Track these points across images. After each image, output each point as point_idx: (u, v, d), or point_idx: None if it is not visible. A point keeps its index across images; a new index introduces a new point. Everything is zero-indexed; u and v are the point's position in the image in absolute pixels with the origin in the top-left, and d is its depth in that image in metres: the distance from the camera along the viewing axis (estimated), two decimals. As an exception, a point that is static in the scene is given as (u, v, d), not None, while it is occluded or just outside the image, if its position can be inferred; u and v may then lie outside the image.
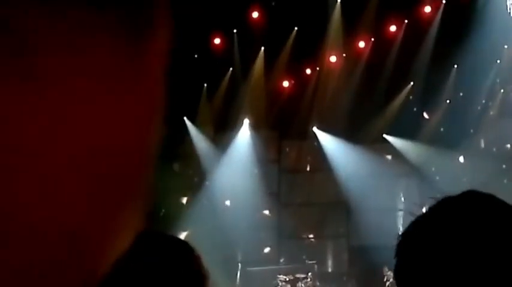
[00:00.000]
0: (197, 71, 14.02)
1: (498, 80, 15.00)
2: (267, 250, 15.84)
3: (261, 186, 15.36)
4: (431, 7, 14.89)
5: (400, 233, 1.37)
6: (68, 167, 0.34)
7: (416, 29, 14.73)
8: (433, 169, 15.20)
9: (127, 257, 0.37)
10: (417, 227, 1.35)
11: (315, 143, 15.83)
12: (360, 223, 14.88)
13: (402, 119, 14.95)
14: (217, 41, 15.24)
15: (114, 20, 0.35)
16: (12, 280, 0.33)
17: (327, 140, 15.68)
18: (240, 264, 14.93)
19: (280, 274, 14.32)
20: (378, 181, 14.70)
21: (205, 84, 15.40)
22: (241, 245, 15.12)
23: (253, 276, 14.61)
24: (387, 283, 12.89)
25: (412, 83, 15.32)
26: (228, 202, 15.58)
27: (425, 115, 15.59)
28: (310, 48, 14.91)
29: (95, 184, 0.35)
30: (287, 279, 14.11)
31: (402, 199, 15.61)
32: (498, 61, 14.87)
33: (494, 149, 15.07)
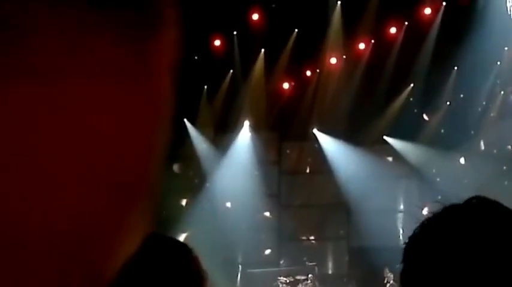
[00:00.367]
0: (197, 72, 13.99)
1: (498, 82, 14.99)
2: (267, 251, 15.82)
3: (261, 187, 15.34)
4: (432, 9, 14.88)
5: (407, 238, 1.38)
6: (73, 169, 0.33)
7: (417, 30, 14.72)
8: (434, 170, 15.18)
9: (134, 261, 0.36)
10: (425, 233, 1.35)
11: (315, 145, 15.81)
12: (360, 224, 14.87)
13: (402, 120, 14.94)
14: (217, 42, 15.23)
15: (121, 20, 0.35)
16: (14, 285, 0.33)
17: (327, 142, 15.66)
18: (240, 266, 14.92)
19: (280, 276, 14.31)
20: (378, 182, 14.68)
21: (205, 86, 15.39)
22: (242, 247, 15.11)
23: (253, 278, 14.59)
24: (387, 285, 12.88)
25: (412, 84, 15.30)
26: (228, 204, 15.56)
27: (425, 117, 15.57)
28: (311, 50, 14.90)
29: (102, 185, 0.34)
30: (287, 281, 14.10)
31: (402, 200, 15.60)
32: (498, 63, 14.86)
33: (495, 151, 15.06)
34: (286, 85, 15.81)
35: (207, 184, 15.35)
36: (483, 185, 11.28)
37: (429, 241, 1.34)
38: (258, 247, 15.41)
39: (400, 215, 15.40)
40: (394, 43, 15.07)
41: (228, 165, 15.22)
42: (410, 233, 1.40)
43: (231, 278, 14.40)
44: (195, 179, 15.71)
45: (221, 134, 15.48)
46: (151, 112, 0.36)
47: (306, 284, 13.98)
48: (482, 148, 15.27)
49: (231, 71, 15.50)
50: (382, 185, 14.72)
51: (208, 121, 15.54)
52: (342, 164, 15.31)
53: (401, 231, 14.81)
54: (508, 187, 13.93)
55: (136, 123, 0.36)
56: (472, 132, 15.03)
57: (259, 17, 14.96)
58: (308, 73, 15.67)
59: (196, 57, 14.35)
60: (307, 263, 14.90)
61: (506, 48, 14.72)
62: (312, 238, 16.21)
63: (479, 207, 1.35)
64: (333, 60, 15.57)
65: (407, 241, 1.37)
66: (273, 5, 14.78)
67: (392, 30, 15.12)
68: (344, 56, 15.54)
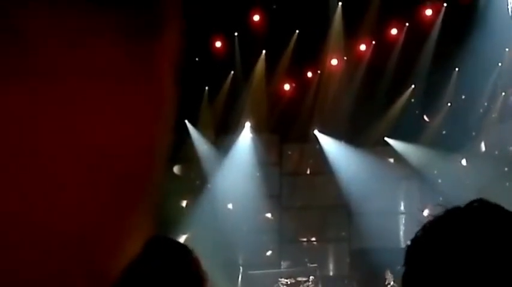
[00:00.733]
0: (198, 74, 14.00)
1: (499, 83, 14.98)
2: (268, 253, 15.81)
3: (262, 189, 15.34)
4: (432, 10, 14.88)
5: (409, 240, 1.38)
6: (74, 169, 0.33)
7: (418, 31, 14.72)
8: (435, 171, 15.17)
9: (135, 262, 0.36)
10: (427, 236, 1.36)
11: (316, 146, 15.81)
12: (361, 226, 14.86)
13: (403, 122, 14.94)
14: (218, 44, 15.24)
15: (122, 20, 0.35)
16: (15, 285, 0.33)
17: (328, 143, 15.66)
18: (241, 267, 14.91)
19: (281, 277, 14.30)
20: (380, 184, 14.68)
21: (206, 88, 15.40)
22: (243, 248, 15.10)
23: (254, 279, 14.58)
24: (388, 286, 12.87)
25: (413, 86, 15.30)
26: (229, 205, 15.57)
27: (426, 118, 15.57)
28: (312, 51, 14.91)
29: (103, 186, 0.34)
30: (288, 282, 14.08)
31: (403, 202, 15.60)
32: (499, 64, 14.85)
33: (496, 152, 15.05)
34: (287, 86, 15.82)
35: (208, 186, 15.36)
36: (484, 186, 11.29)
37: (432, 244, 1.34)
38: (259, 249, 15.41)
39: (401, 216, 15.40)
40: (395, 44, 15.07)
41: (229, 166, 15.23)
42: (411, 235, 1.40)
43: (232, 280, 14.39)
44: (196, 180, 15.72)
45: (222, 135, 15.48)
46: (153, 112, 0.36)
47: (307, 285, 13.97)
48: (484, 149, 15.26)
49: (232, 72, 15.51)
50: (383, 186, 14.71)
51: (209, 122, 15.55)
52: (343, 165, 15.31)
53: (402, 233, 14.81)
54: (509, 189, 13.92)
55: (138, 124, 0.35)
56: (474, 133, 15.03)
57: (260, 18, 14.97)
58: (309, 74, 15.68)
59: (197, 59, 14.36)
60: (308, 264, 14.88)
61: (507, 49, 14.72)
62: (313, 239, 16.20)
63: (481, 210, 1.35)
64: (334, 62, 15.58)
65: (409, 243, 1.38)
66: (274, 6, 14.78)
67: (393, 31, 15.12)
68: (345, 57, 15.54)
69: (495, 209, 1.35)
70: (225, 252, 14.12)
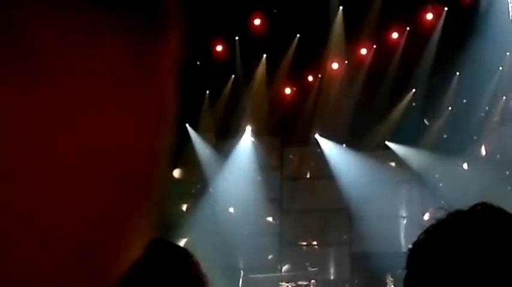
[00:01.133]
0: (199, 77, 14.02)
1: (500, 87, 15.00)
2: (269, 256, 15.81)
3: (263, 193, 15.35)
4: (433, 14, 14.90)
5: (411, 244, 1.38)
6: (74, 170, 0.33)
7: (418, 35, 14.74)
8: (436, 175, 15.18)
9: (138, 266, 0.36)
10: (429, 239, 1.35)
11: (317, 150, 15.82)
12: (362, 229, 14.86)
13: (404, 125, 14.95)
14: (219, 48, 15.26)
15: (123, 20, 0.34)
16: (14, 286, 0.33)
17: (328, 147, 15.67)
18: (242, 271, 14.91)
19: (282, 281, 14.30)
20: (380, 187, 14.69)
21: (207, 91, 15.41)
22: (243, 252, 15.11)
23: (255, 283, 14.58)
24: (389, 290, 12.86)
25: (414, 89, 15.32)
26: (230, 209, 15.58)
27: (427, 122, 15.58)
28: (312, 55, 14.93)
29: (104, 187, 0.34)
30: (289, 286, 14.09)
31: (404, 206, 15.60)
32: (500, 68, 14.88)
33: (498, 156, 15.05)
34: (288, 90, 15.84)
35: (209, 189, 15.37)
36: (486, 190, 11.27)
37: (434, 248, 1.34)
38: (259, 252, 15.41)
39: (402, 220, 15.40)
40: (396, 48, 15.09)
41: (229, 170, 15.24)
42: (412, 238, 1.40)
43: (233, 284, 14.39)
44: (196, 184, 15.73)
45: (223, 139, 15.49)
46: (154, 113, 0.36)
47: (308, 289, 13.97)
48: (485, 153, 15.27)
49: (233, 76, 15.53)
50: (384, 190, 14.72)
51: (210, 126, 15.56)
52: (344, 169, 15.32)
53: (403, 237, 14.81)
54: (511, 192, 13.92)
55: (139, 125, 0.35)
56: (475, 137, 15.04)
57: (261, 22, 14.99)
58: (310, 78, 15.69)
59: (198, 63, 14.38)
60: (309, 268, 14.89)
61: (508, 53, 14.74)
62: (314, 243, 16.20)
63: (484, 214, 1.35)
64: (335, 66, 15.60)
65: (411, 246, 1.38)
66: (275, 10, 14.81)
67: (394, 35, 15.14)
68: (346, 61, 15.56)
69: (499, 212, 1.35)
70: (226, 256, 14.12)
